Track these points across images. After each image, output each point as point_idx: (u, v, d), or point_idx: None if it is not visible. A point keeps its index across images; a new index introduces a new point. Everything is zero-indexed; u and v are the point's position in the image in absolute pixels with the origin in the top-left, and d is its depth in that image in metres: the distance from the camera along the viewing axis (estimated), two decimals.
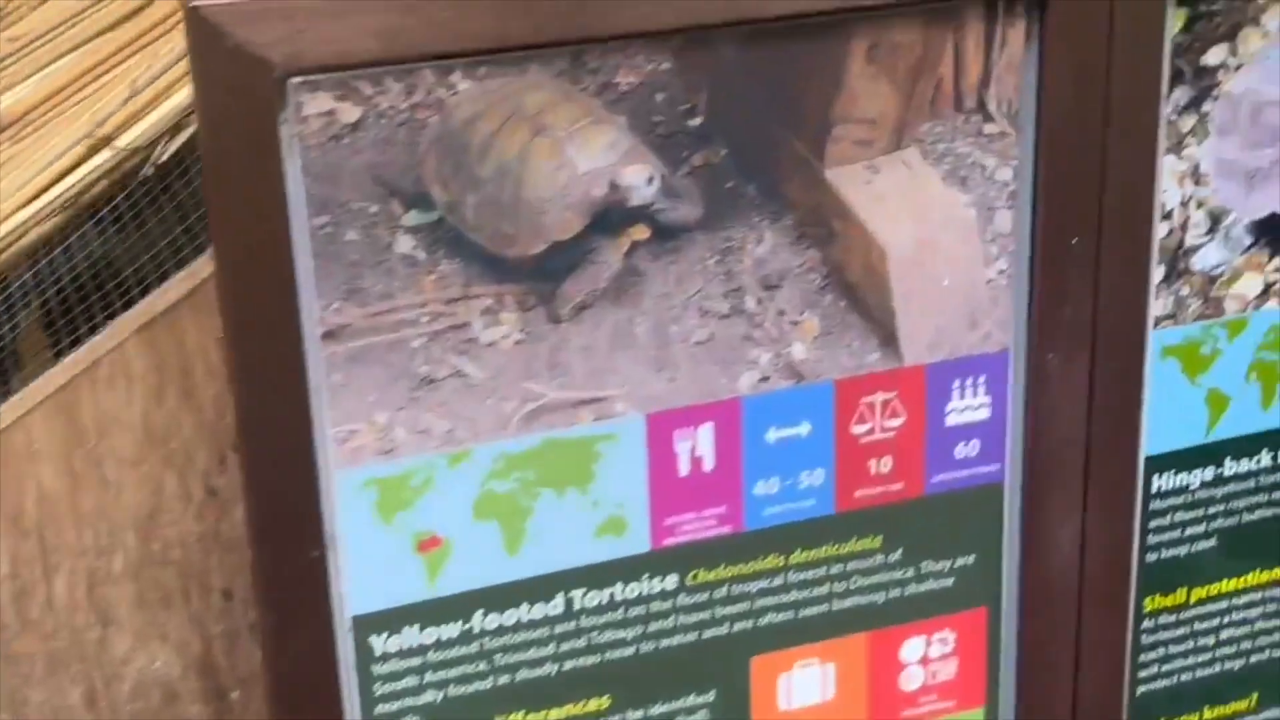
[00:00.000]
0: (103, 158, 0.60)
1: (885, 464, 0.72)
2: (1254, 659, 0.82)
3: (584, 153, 0.63)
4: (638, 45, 0.62)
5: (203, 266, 0.62)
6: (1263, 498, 0.80)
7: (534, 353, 0.65)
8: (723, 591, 0.72)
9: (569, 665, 0.70)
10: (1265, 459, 0.79)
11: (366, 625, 0.66)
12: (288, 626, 0.65)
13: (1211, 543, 0.80)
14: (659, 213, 0.65)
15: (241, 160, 0.59)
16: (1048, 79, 0.67)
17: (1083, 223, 0.70)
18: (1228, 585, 0.81)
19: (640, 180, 0.64)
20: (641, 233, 0.65)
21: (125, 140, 0.61)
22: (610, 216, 0.64)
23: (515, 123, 0.62)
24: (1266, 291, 0.76)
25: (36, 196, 0.61)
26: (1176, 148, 0.71)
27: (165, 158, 0.61)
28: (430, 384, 0.64)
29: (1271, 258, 0.75)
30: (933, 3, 0.65)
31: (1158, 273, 0.73)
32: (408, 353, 0.63)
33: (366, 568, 0.66)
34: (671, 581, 0.71)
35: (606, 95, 0.63)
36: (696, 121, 0.64)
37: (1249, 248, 0.75)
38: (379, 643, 0.67)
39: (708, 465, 0.70)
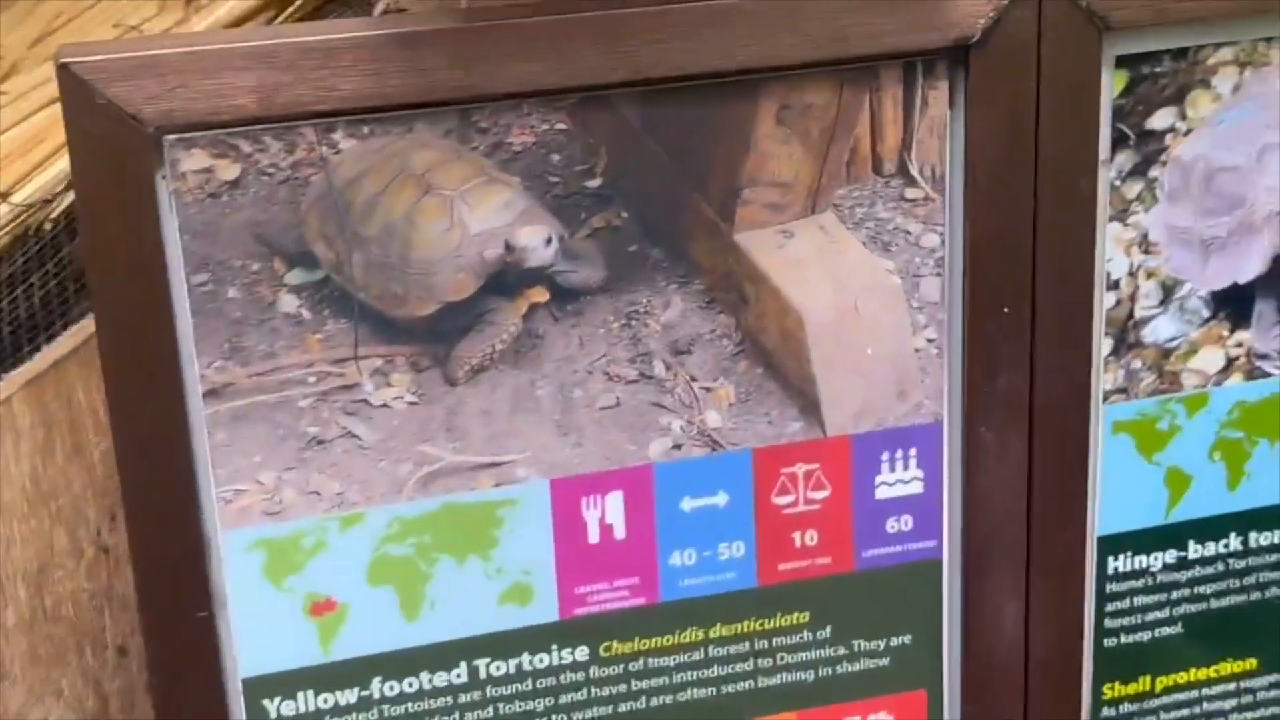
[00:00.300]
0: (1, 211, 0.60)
1: (811, 537, 0.70)
2: None
3: (476, 213, 0.62)
4: (530, 104, 0.61)
5: (90, 324, 0.62)
6: (1231, 583, 0.76)
7: (429, 415, 0.64)
8: (639, 665, 0.70)
9: None
10: (1234, 543, 0.75)
11: (258, 688, 0.65)
12: (177, 687, 0.64)
13: (1177, 629, 0.76)
14: (559, 274, 0.63)
15: (118, 217, 0.58)
16: (972, 143, 0.65)
17: (1015, 291, 0.67)
18: (1198, 674, 0.77)
19: (537, 241, 0.62)
20: (540, 295, 0.64)
21: (20, 196, 0.61)
22: (506, 278, 0.63)
23: (402, 181, 0.61)
24: (1229, 366, 0.72)
25: None
26: (1122, 215, 0.68)
27: (57, 212, 0.60)
28: (319, 444, 0.63)
29: (1233, 330, 0.71)
30: (845, 64, 0.63)
31: (1105, 345, 0.70)
32: (294, 413, 0.62)
33: (257, 630, 0.65)
34: (583, 653, 0.69)
35: (499, 155, 0.61)
36: (595, 183, 0.63)
37: (1207, 320, 0.71)
38: (272, 707, 0.66)
39: (619, 534, 0.68)
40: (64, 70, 0.56)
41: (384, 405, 0.63)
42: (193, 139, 0.58)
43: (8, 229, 0.62)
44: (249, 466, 0.63)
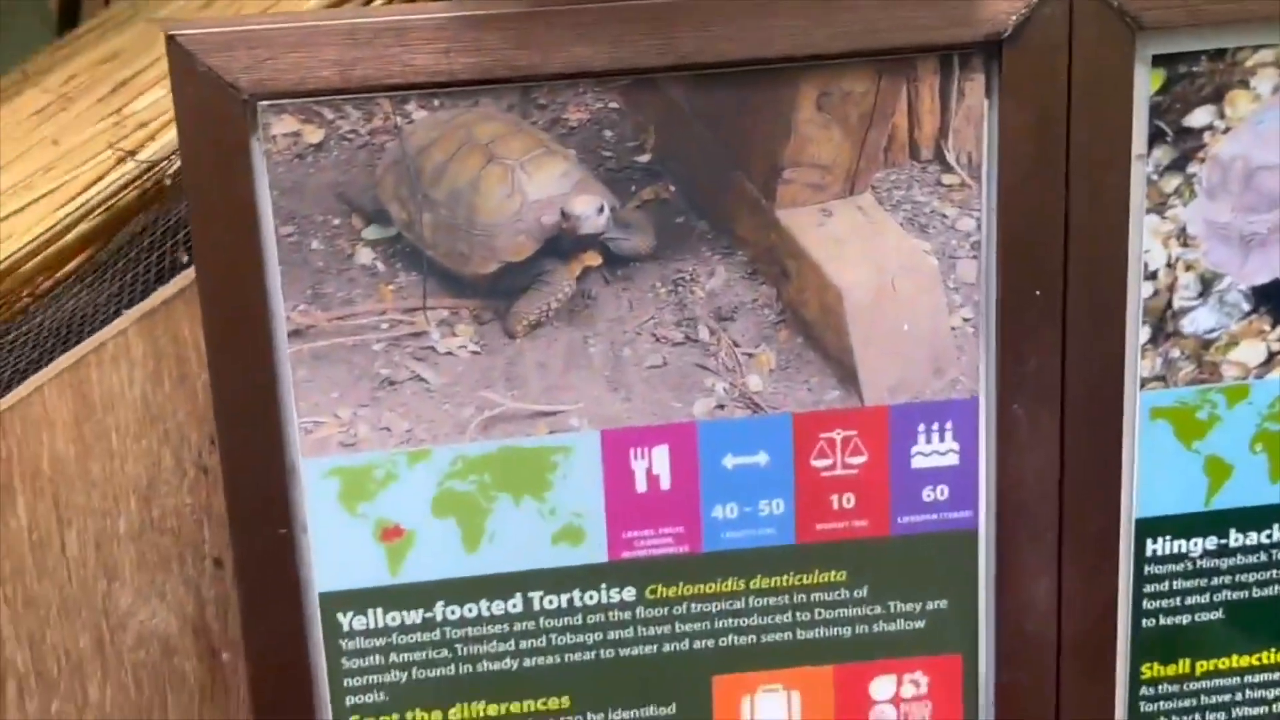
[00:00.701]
0: (127, 168, 0.69)
1: (848, 500, 0.74)
2: None
3: (535, 182, 0.68)
4: (585, 84, 0.67)
5: None
6: (1275, 573, 0.78)
7: (490, 364, 0.70)
8: (682, 609, 0.75)
9: (529, 662, 0.75)
10: (1277, 533, 0.77)
11: (333, 602, 0.73)
12: (261, 597, 0.72)
13: (1217, 615, 0.78)
14: (610, 241, 0.69)
15: (217, 174, 0.66)
16: (1005, 134, 0.69)
17: (1046, 276, 0.71)
18: (1239, 661, 0.79)
19: (591, 210, 0.69)
20: (593, 259, 0.70)
21: (145, 154, 0.69)
22: (562, 242, 0.69)
23: (468, 150, 0.68)
24: (1271, 360, 0.74)
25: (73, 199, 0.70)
26: (1160, 208, 0.71)
27: (174, 169, 0.69)
28: (391, 385, 0.70)
29: (1275, 325, 0.74)
30: (881, 55, 0.67)
31: (1143, 333, 0.73)
32: (369, 355, 0.70)
33: (333, 550, 0.72)
34: (630, 593, 0.75)
35: (556, 129, 0.68)
36: (645, 158, 0.69)
37: (1248, 314, 0.73)
38: (345, 620, 0.73)
39: (664, 485, 0.73)
40: (171, 42, 0.64)
41: (449, 353, 0.70)
42: (282, 106, 0.66)
43: (135, 184, 0.70)
44: (327, 402, 0.70)
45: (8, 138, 0.95)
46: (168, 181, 0.70)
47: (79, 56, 1.04)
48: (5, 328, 0.80)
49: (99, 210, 0.71)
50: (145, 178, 0.70)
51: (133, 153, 0.69)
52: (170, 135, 0.69)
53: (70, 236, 0.72)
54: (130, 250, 0.78)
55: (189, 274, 0.69)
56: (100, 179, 0.71)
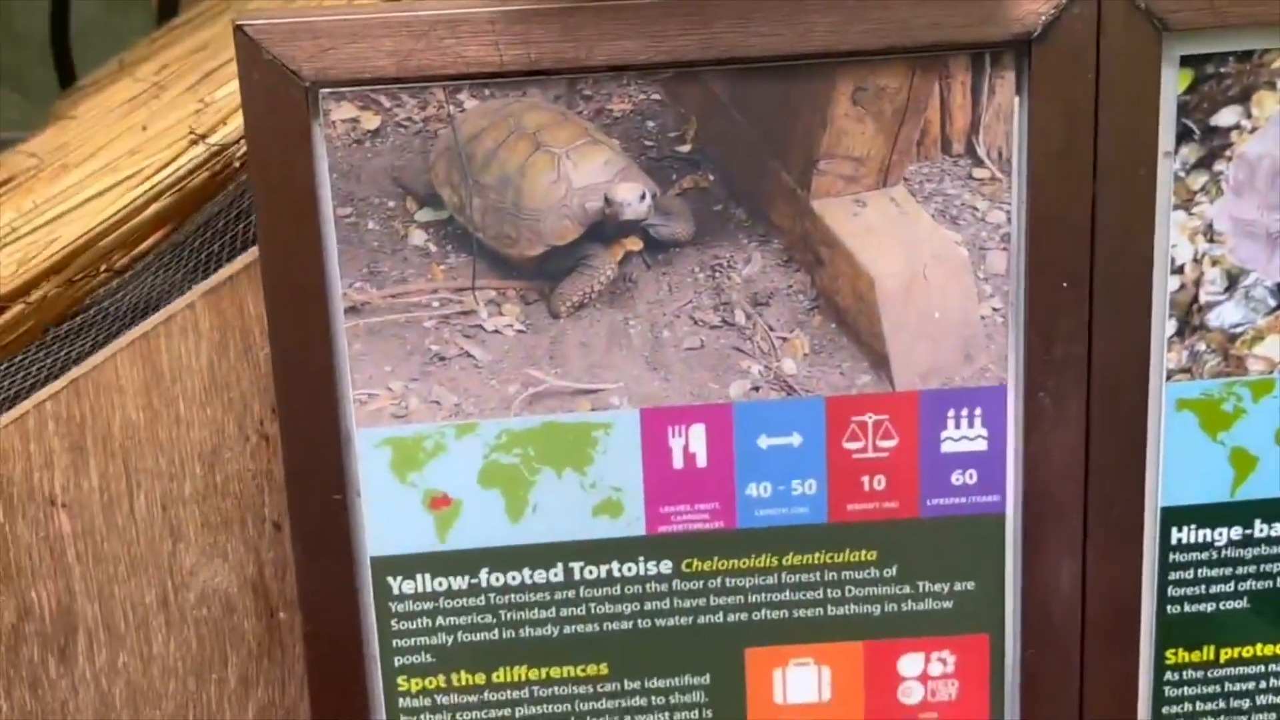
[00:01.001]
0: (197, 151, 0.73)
1: (879, 482, 0.77)
2: None
3: (580, 169, 0.72)
4: (629, 76, 0.70)
5: None
6: None
7: (535, 343, 0.74)
8: (717, 582, 0.78)
9: (569, 630, 0.78)
10: None
11: (384, 566, 0.77)
12: (315, 559, 0.76)
13: (1242, 604, 0.80)
14: (651, 227, 0.73)
15: (280, 156, 0.70)
16: (1034, 131, 0.71)
17: (1073, 269, 0.73)
18: (1264, 650, 0.81)
19: (633, 197, 0.72)
20: (635, 244, 0.73)
21: (215, 138, 0.73)
22: (605, 228, 0.72)
23: (516, 139, 0.71)
24: None
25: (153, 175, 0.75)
26: (1186, 205, 0.73)
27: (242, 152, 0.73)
28: (441, 360, 0.74)
29: None
30: (913, 53, 0.70)
31: (1170, 326, 0.75)
32: (420, 331, 0.73)
33: (384, 516, 0.76)
34: (666, 566, 0.78)
35: (600, 119, 0.71)
36: (685, 148, 0.72)
37: (1275, 309, 0.75)
38: (395, 583, 0.77)
39: (701, 462, 0.76)
40: (238, 31, 0.68)
41: (496, 331, 0.74)
42: (342, 93, 0.70)
43: (206, 166, 0.75)
44: (381, 375, 0.74)
45: (100, 124, 1.00)
46: (236, 164, 0.74)
47: (173, 47, 1.10)
48: (88, 303, 0.85)
49: (170, 191, 0.75)
50: (214, 160, 0.75)
51: (204, 136, 0.73)
52: (240, 120, 0.73)
53: (145, 215, 0.77)
54: (206, 231, 0.82)
55: (254, 251, 0.73)
56: (173, 161, 0.75)
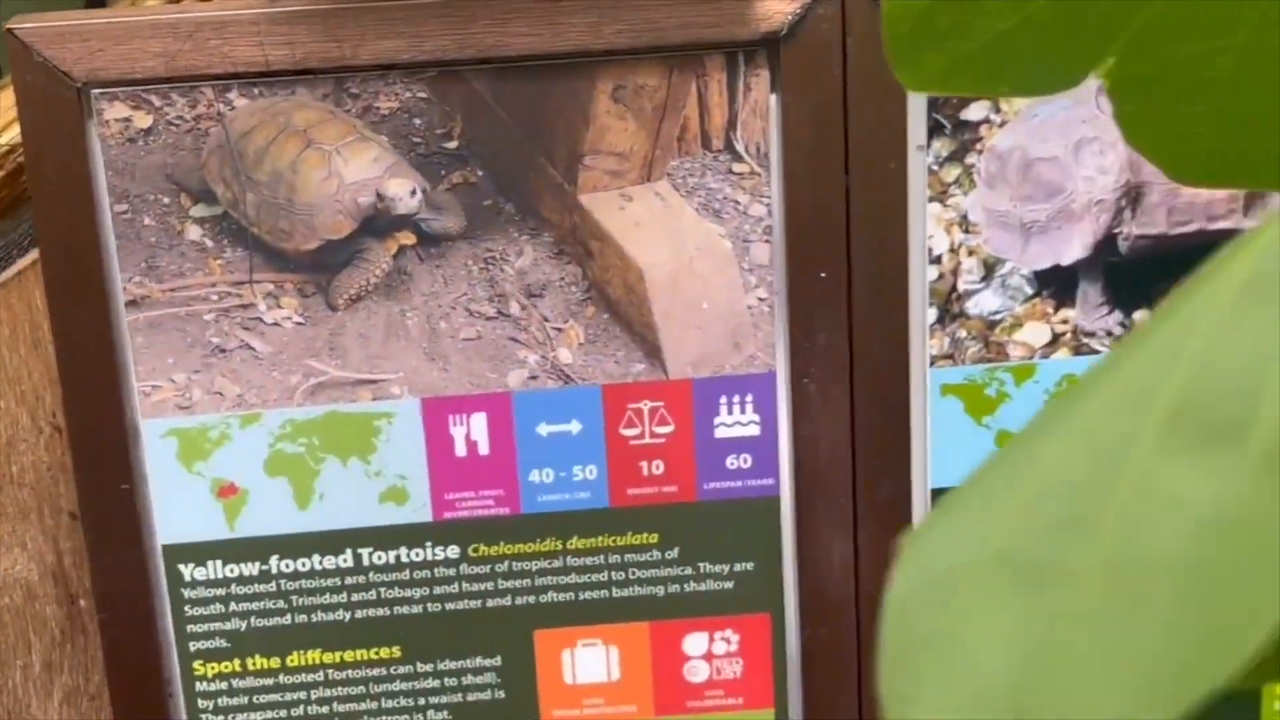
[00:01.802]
0: None
1: (657, 466, 0.80)
2: None
3: (351, 165, 0.74)
4: (394, 75, 0.73)
5: None
6: None
7: (315, 334, 0.76)
8: (503, 566, 0.81)
9: (361, 614, 0.81)
10: None
11: (175, 554, 0.79)
12: (108, 547, 0.78)
13: None
14: (423, 221, 0.75)
15: (55, 155, 0.72)
16: (786, 126, 0.74)
17: (830, 259, 0.76)
18: None
19: (403, 192, 0.74)
20: (408, 238, 0.75)
21: (5, 139, 0.76)
22: (378, 222, 0.75)
23: (287, 136, 0.73)
24: (1055, 341, 0.79)
25: None
26: (941, 196, 0.76)
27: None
28: (222, 353, 0.76)
29: (1058, 308, 0.78)
30: (669, 51, 0.73)
31: (931, 314, 0.78)
32: (200, 324, 0.76)
33: (173, 505, 0.78)
34: (454, 551, 0.80)
35: (368, 117, 0.73)
36: (453, 144, 0.74)
37: (1031, 297, 0.78)
38: (187, 571, 0.79)
39: (483, 450, 0.79)
40: (9, 34, 0.71)
41: (275, 324, 0.76)
42: (113, 93, 0.72)
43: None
44: (164, 367, 0.76)
45: None
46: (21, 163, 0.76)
47: None
48: None
49: None
50: (6, 160, 0.77)
51: None
52: None
53: None
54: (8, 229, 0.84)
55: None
56: None
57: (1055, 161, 0.76)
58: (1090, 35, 0.35)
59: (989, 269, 0.78)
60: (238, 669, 0.80)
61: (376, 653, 0.81)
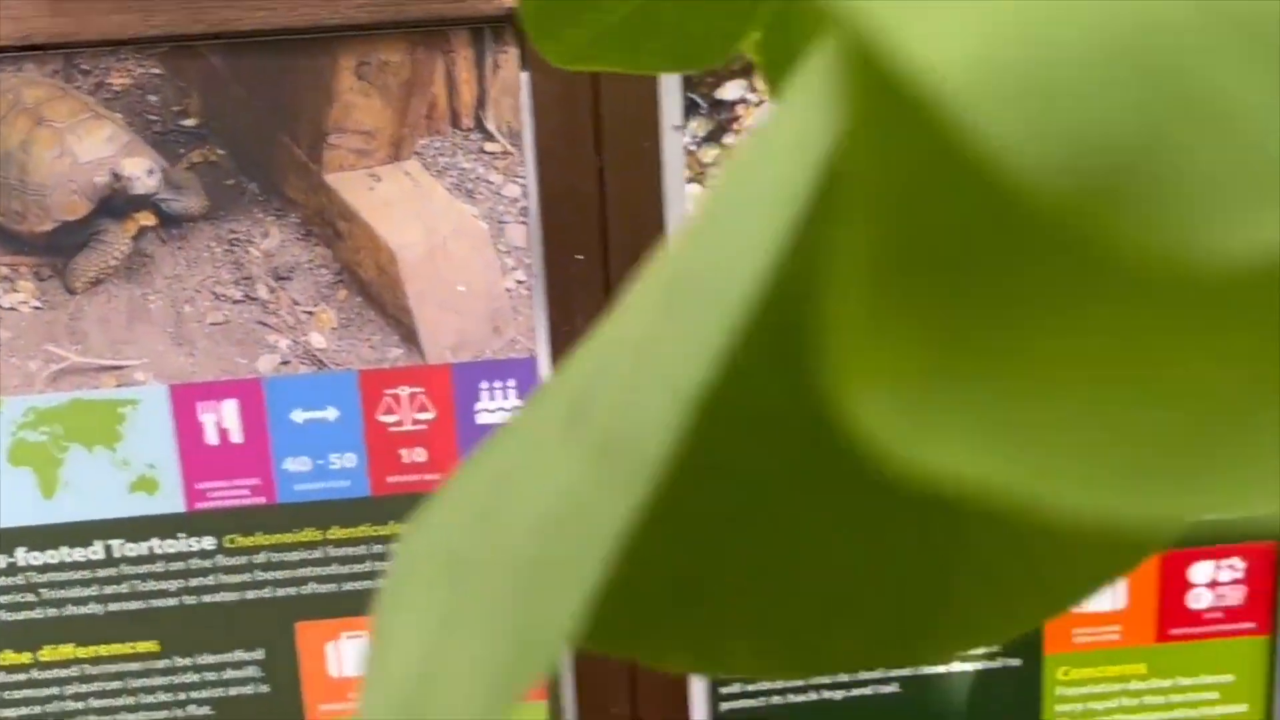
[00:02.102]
0: None
1: (419, 454, 0.78)
2: None
3: (84, 144, 0.71)
4: (126, 51, 0.70)
5: None
6: None
7: (54, 319, 0.74)
8: (261, 558, 0.78)
9: (115, 608, 0.78)
10: None
11: None
12: None
13: None
14: (163, 202, 0.73)
15: None
16: (537, 105, 0.72)
17: (586, 241, 0.74)
18: None
19: (140, 171, 0.72)
20: (148, 219, 0.73)
21: None
22: (116, 202, 0.72)
23: (16, 114, 0.71)
24: None
25: None
26: (700, 178, 0.75)
27: None
28: None
29: None
30: (413, 27, 0.71)
31: None
32: None
33: None
34: (209, 543, 0.78)
35: (101, 94, 0.71)
36: (191, 122, 0.72)
37: None
38: None
39: (236, 438, 0.76)
40: None
41: (12, 308, 0.73)
42: None
43: None
44: None
45: None
46: None
47: None
48: None
49: None
50: None
51: None
52: None
53: None
54: None
55: None
56: None
57: None
58: (733, 8, 0.33)
59: None
60: None
61: (133, 647, 0.79)
